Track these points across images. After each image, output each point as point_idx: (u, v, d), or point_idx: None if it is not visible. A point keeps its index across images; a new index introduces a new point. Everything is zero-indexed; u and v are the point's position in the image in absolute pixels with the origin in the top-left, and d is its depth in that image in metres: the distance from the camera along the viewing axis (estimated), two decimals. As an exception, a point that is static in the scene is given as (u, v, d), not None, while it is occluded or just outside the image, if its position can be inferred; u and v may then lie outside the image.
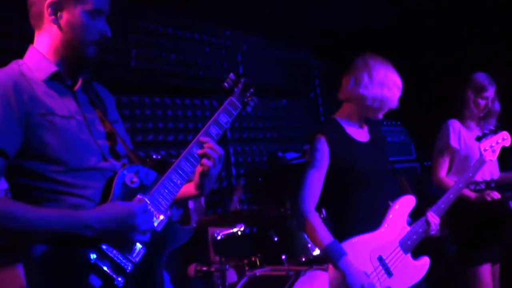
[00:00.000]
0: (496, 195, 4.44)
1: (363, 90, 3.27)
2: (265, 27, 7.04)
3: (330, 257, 3.08)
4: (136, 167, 2.32)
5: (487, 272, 4.49)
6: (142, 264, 2.20)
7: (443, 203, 3.56)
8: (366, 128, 3.47)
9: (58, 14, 2.23)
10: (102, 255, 2.09)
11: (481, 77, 4.71)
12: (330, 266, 3.13)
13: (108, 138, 2.37)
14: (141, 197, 2.25)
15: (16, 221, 1.97)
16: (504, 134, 4.03)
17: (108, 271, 2.08)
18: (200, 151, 2.44)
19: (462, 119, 4.75)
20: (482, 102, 4.69)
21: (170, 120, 6.42)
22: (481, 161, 3.88)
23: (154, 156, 5.26)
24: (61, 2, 2.23)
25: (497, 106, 4.73)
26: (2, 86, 2.10)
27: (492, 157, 3.94)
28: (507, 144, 4.01)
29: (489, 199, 4.37)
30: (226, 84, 2.66)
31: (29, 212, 2.00)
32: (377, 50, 4.19)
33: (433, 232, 3.42)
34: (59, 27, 2.24)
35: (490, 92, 4.67)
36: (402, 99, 3.42)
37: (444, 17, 6.86)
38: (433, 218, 3.42)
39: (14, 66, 2.24)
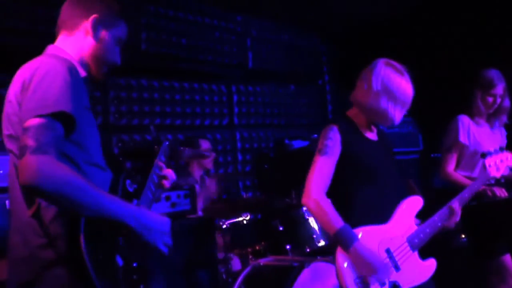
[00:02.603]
0: (503, 192, 4.43)
1: (365, 101, 3.27)
2: (276, 12, 7.02)
3: (342, 241, 3.04)
4: (131, 174, 2.59)
5: (509, 261, 4.51)
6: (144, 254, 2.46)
7: (467, 193, 3.56)
8: (375, 130, 3.47)
9: (97, 30, 2.49)
10: (126, 242, 2.31)
11: (489, 74, 4.66)
12: (338, 253, 3.10)
13: (101, 142, 2.57)
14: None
15: (85, 196, 2.10)
16: (508, 155, 3.99)
17: (129, 255, 2.31)
18: (159, 173, 2.82)
19: (471, 116, 4.73)
20: (490, 99, 4.65)
21: (178, 104, 6.42)
22: (487, 176, 3.87)
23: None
24: (104, 20, 2.51)
25: (506, 103, 4.69)
26: (70, 68, 2.25)
27: (496, 174, 3.91)
28: (511, 164, 3.98)
29: (489, 193, 4.37)
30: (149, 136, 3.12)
31: (96, 191, 2.15)
32: (387, 39, 4.16)
33: (453, 225, 3.43)
34: (95, 40, 2.48)
35: (499, 89, 4.63)
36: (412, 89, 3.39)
37: (457, 10, 6.82)
38: (457, 207, 3.43)
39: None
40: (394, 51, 3.46)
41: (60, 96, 2.15)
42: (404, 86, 3.25)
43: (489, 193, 4.41)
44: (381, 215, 3.27)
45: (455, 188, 3.71)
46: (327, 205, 3.11)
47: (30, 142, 2.07)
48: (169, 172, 2.84)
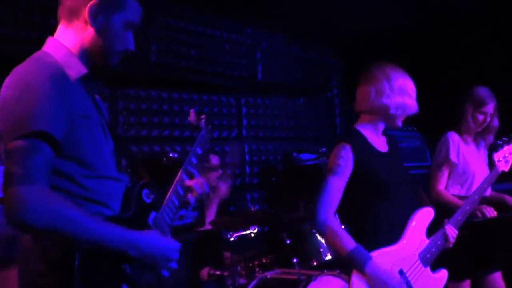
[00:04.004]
0: (492, 212, 4.33)
1: (386, 100, 3.27)
2: (286, 25, 7.04)
3: (355, 262, 3.04)
4: (150, 182, 2.39)
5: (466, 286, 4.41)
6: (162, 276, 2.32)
7: (460, 215, 3.53)
8: (384, 139, 3.48)
9: (97, 17, 2.21)
10: (134, 268, 2.16)
11: (481, 92, 4.62)
12: (353, 275, 3.10)
13: (115, 147, 2.37)
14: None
15: (79, 228, 1.96)
16: None
17: (138, 282, 2.16)
18: (188, 183, 2.63)
19: (459, 132, 4.68)
20: (481, 117, 4.60)
21: (187, 116, 6.40)
22: (496, 172, 3.84)
23: (170, 155, 5.27)
24: (104, 6, 2.22)
25: (495, 122, 4.65)
26: (53, 78, 2.05)
27: (505, 168, 3.90)
28: None
29: (479, 214, 4.29)
30: (188, 121, 3.02)
31: (92, 222, 2.00)
32: (395, 54, 4.15)
33: (451, 246, 3.42)
34: (95, 30, 2.22)
35: (490, 107, 4.59)
36: (418, 104, 3.41)
37: (464, 25, 6.82)
38: (451, 231, 3.41)
39: (49, 58, 2.18)
40: (403, 66, 3.46)
41: (39, 114, 1.96)
42: (410, 79, 3.39)
43: (479, 214, 4.32)
44: (396, 231, 3.27)
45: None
46: (337, 227, 3.11)
47: (15, 168, 1.91)
48: (200, 185, 2.65)
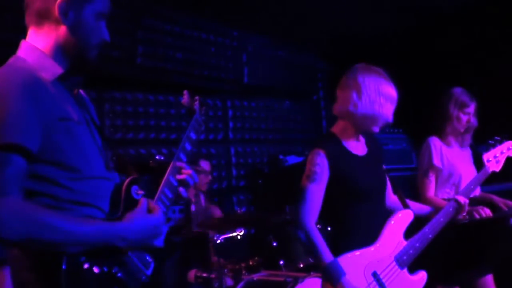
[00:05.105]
0: (487, 211, 4.34)
1: (353, 108, 3.21)
2: (272, 28, 7.05)
3: (330, 276, 3.05)
4: (139, 178, 2.31)
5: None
6: (151, 276, 2.26)
7: (442, 216, 3.54)
8: (363, 141, 3.43)
9: (67, 14, 2.15)
10: (124, 268, 2.11)
11: (463, 93, 4.64)
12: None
13: (103, 145, 2.32)
14: (154, 205, 2.29)
15: (57, 233, 1.90)
16: (510, 143, 3.98)
17: (129, 283, 2.12)
18: (179, 177, 2.50)
19: (442, 135, 4.66)
20: (465, 118, 4.61)
21: (173, 119, 6.42)
22: (485, 172, 3.85)
23: (157, 157, 5.26)
24: (72, 1, 2.16)
25: (475, 122, 4.67)
26: (26, 83, 1.99)
27: (495, 168, 3.89)
28: None
29: (476, 215, 4.30)
30: (182, 103, 2.80)
31: (70, 224, 1.94)
32: (381, 56, 4.15)
33: (464, 214, 3.52)
34: (68, 27, 2.16)
35: (472, 107, 4.62)
36: (404, 106, 3.36)
37: (453, 27, 6.87)
38: (463, 199, 3.47)
39: (21, 63, 2.13)
40: (389, 69, 3.44)
41: (10, 126, 1.91)
42: (390, 86, 3.27)
43: (475, 215, 4.32)
44: (372, 234, 3.27)
45: None
46: (317, 237, 3.10)
47: None
48: (190, 176, 2.51)
